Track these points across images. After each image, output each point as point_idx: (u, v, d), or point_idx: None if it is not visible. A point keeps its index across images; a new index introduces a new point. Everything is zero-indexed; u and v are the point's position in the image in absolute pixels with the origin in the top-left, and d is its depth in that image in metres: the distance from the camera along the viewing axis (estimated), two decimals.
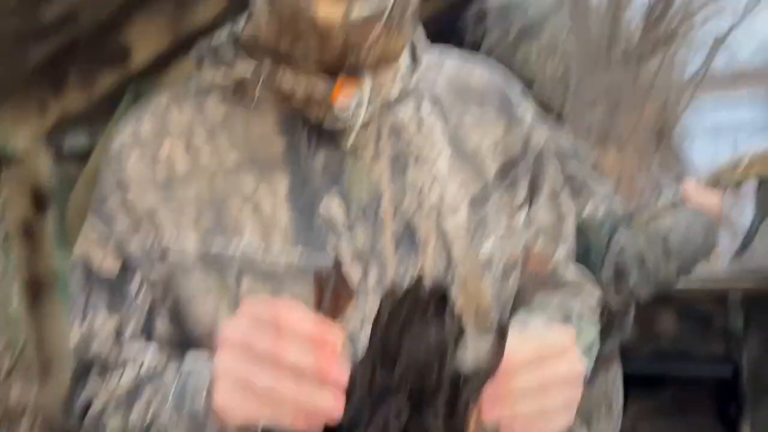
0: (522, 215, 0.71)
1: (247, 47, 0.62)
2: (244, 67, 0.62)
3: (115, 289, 0.62)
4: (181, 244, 0.61)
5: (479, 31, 1.37)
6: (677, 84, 15.33)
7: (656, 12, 14.26)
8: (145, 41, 1.30)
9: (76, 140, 1.49)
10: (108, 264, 0.63)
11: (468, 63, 0.73)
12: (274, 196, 0.61)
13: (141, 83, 1.36)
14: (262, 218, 0.60)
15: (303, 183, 0.61)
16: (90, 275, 0.64)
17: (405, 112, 0.65)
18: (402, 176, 0.63)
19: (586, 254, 1.25)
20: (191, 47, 1.35)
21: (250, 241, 0.60)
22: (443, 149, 0.65)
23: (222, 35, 0.65)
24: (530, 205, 0.72)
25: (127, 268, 0.62)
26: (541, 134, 0.74)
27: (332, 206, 0.61)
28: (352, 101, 0.60)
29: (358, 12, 0.55)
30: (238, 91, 0.63)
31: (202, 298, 0.60)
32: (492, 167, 0.68)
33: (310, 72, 0.59)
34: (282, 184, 0.61)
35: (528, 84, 1.34)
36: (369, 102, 0.60)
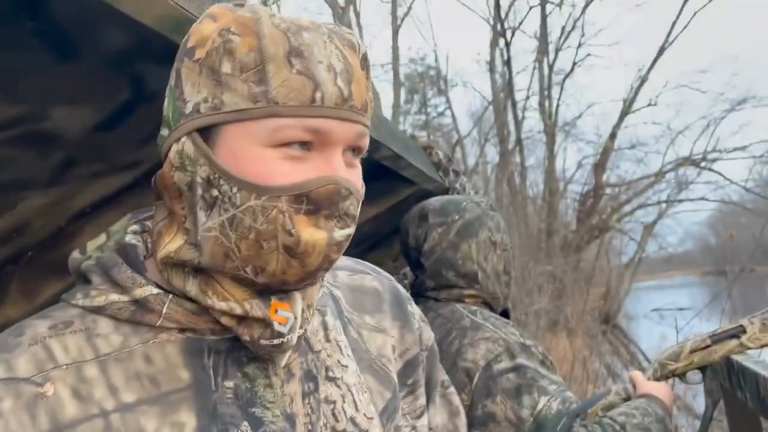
0: (425, 419, 0.71)
1: (170, 266, 0.57)
2: (146, 291, 0.56)
3: None
4: None
5: (422, 230, 1.44)
6: (616, 270, 16.09)
7: (587, 204, 15.35)
8: None
9: None
10: None
11: (358, 267, 0.75)
12: None
13: None
14: None
15: (211, 418, 0.55)
16: None
17: (312, 324, 0.64)
18: (315, 393, 0.59)
19: None
20: None
21: None
22: (350, 360, 0.64)
23: (104, 251, 0.60)
24: (428, 406, 0.72)
25: None
26: (429, 332, 0.75)
27: None
28: (289, 318, 0.57)
29: (339, 234, 0.56)
30: (136, 317, 0.56)
31: None
32: (394, 372, 0.68)
33: (240, 294, 0.56)
34: (189, 421, 0.54)
35: (473, 277, 1.39)
36: (303, 318, 0.58)
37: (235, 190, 0.53)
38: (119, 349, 0.55)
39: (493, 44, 14.07)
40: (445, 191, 2.01)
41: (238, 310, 0.56)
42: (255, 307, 0.56)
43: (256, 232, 0.53)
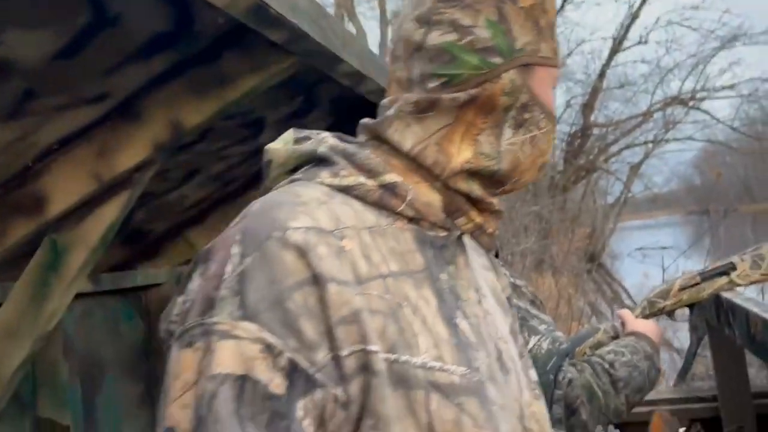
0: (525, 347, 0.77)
1: (457, 171, 0.63)
2: (393, 177, 0.62)
3: (282, 412, 0.50)
4: (377, 355, 0.54)
5: None
6: (602, 210, 16.24)
7: (575, 144, 15.32)
8: (63, 190, 1.25)
9: None
10: (277, 380, 0.51)
11: None
12: (429, 309, 0.59)
13: (58, 234, 1.29)
14: (430, 331, 0.58)
15: (441, 299, 0.61)
16: (243, 394, 0.50)
17: None
18: (480, 304, 0.66)
19: None
20: (113, 196, 1.30)
21: (427, 355, 0.57)
22: (484, 284, 0.69)
23: (345, 141, 0.65)
24: None
25: (304, 384, 0.51)
26: None
27: (464, 325, 0.61)
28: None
29: None
30: (383, 200, 0.61)
31: (394, 425, 0.54)
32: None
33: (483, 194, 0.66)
34: (431, 299, 0.60)
35: None
36: None
37: (542, 116, 0.66)
38: (375, 226, 0.60)
39: None
40: None
41: (496, 206, 0.66)
42: (500, 204, 0.67)
43: (540, 150, 0.66)
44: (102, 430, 1.88)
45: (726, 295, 1.47)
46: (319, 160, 0.63)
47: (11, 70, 0.99)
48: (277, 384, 0.51)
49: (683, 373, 2.25)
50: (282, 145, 0.66)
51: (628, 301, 10.12)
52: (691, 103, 15.87)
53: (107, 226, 1.27)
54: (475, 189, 0.64)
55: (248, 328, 0.51)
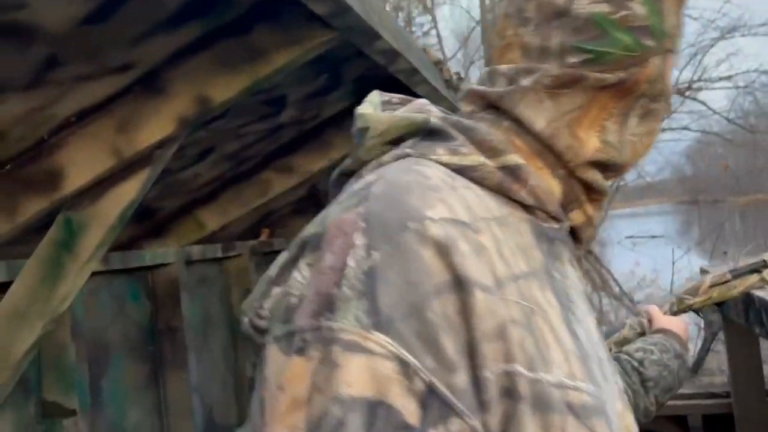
0: None
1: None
2: (516, 158, 0.53)
3: None
4: (521, 376, 0.45)
5: None
6: None
7: None
8: (80, 165, 1.18)
9: None
10: (412, 406, 0.42)
11: None
12: (555, 316, 0.51)
13: (74, 212, 1.22)
14: (559, 342, 0.49)
15: (560, 303, 0.52)
16: (374, 422, 0.41)
17: None
18: (580, 308, 0.58)
19: None
20: (132, 173, 1.24)
21: (560, 371, 0.48)
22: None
23: (468, 116, 0.56)
24: None
25: (438, 410, 0.42)
26: None
27: (580, 332, 0.53)
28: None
29: None
30: (503, 185, 0.53)
31: None
32: None
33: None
34: (553, 301, 0.51)
35: None
36: None
37: (664, 107, 0.59)
38: (501, 216, 0.51)
39: None
40: (455, 111, 1.88)
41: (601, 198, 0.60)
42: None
43: (650, 142, 0.60)
44: (108, 412, 1.82)
45: (759, 293, 1.44)
46: (428, 133, 0.54)
47: (35, 35, 0.92)
48: (411, 412, 0.42)
49: (695, 369, 2.23)
50: (373, 110, 0.56)
51: (616, 289, 10.15)
52: (687, 93, 15.86)
53: (125, 204, 1.20)
54: (599, 179, 0.57)
55: (381, 340, 0.42)
